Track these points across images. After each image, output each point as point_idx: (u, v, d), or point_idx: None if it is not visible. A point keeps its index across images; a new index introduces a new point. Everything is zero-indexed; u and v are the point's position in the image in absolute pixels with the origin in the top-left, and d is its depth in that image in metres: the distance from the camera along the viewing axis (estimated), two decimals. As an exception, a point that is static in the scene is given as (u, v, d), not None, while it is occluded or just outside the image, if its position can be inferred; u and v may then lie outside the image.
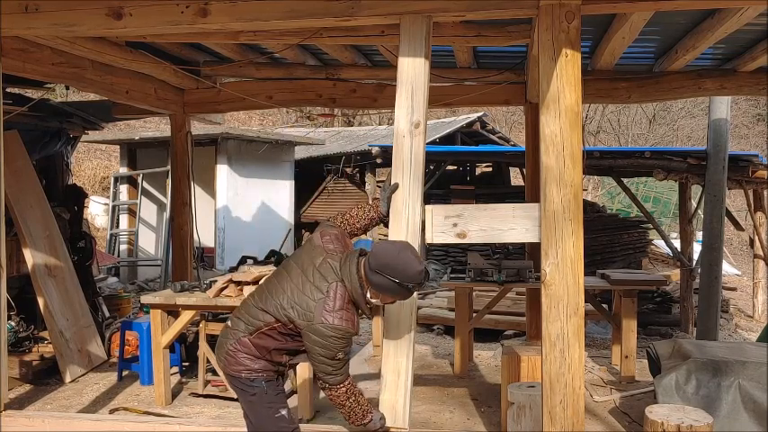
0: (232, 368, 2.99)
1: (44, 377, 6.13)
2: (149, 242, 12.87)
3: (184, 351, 6.23)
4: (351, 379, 2.93)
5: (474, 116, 14.63)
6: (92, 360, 6.43)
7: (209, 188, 12.42)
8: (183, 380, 6.04)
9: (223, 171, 12.31)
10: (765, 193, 10.78)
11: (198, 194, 7.86)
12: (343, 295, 2.82)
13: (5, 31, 3.90)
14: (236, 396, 5.28)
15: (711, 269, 7.76)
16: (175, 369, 6.07)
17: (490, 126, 15.47)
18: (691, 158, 8.30)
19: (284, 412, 3.02)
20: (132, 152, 12.95)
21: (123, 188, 12.81)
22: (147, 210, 12.71)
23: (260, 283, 3.54)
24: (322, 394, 5.55)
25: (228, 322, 3.12)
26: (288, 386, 3.97)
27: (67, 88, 7.89)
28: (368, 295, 2.85)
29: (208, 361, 5.42)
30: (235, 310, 3.17)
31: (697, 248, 9.36)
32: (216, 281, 5.34)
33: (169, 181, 8.96)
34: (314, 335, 2.79)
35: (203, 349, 5.41)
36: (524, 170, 10.57)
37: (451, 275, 6.76)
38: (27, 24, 3.87)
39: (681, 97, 6.78)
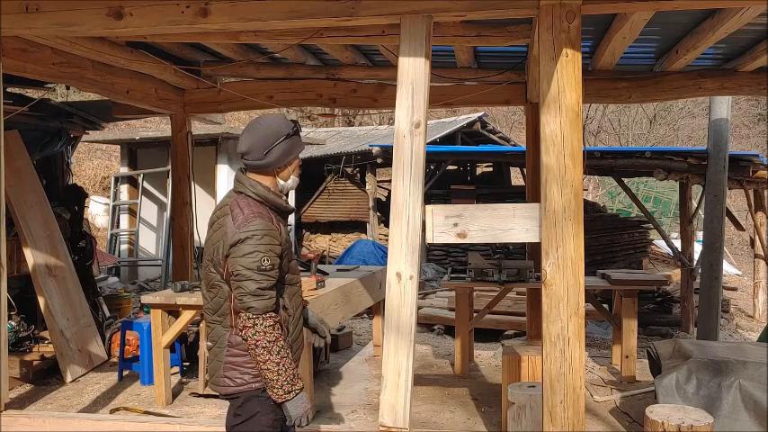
0: None
1: (44, 377, 6.14)
2: (150, 242, 12.86)
3: (185, 351, 6.22)
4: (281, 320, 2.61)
5: (474, 116, 14.62)
6: (92, 360, 6.43)
7: (210, 188, 12.41)
8: (184, 380, 6.03)
9: (223, 171, 12.29)
10: (766, 193, 10.78)
11: (198, 194, 7.86)
12: (247, 203, 2.63)
13: (5, 31, 3.90)
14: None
15: (712, 269, 7.76)
16: (176, 369, 6.07)
17: (490, 126, 15.47)
18: (691, 158, 8.30)
19: None
20: (133, 152, 12.95)
21: (124, 188, 12.81)
22: (148, 210, 12.71)
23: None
24: (322, 394, 5.57)
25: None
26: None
27: (68, 88, 7.88)
28: (280, 182, 2.73)
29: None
30: None
31: (697, 248, 9.36)
32: (216, 281, 5.33)
33: (170, 181, 8.96)
34: (236, 247, 2.53)
35: (204, 349, 5.40)
36: (525, 170, 10.58)
37: (452, 275, 6.76)
38: (27, 24, 3.87)
39: (681, 97, 6.77)
